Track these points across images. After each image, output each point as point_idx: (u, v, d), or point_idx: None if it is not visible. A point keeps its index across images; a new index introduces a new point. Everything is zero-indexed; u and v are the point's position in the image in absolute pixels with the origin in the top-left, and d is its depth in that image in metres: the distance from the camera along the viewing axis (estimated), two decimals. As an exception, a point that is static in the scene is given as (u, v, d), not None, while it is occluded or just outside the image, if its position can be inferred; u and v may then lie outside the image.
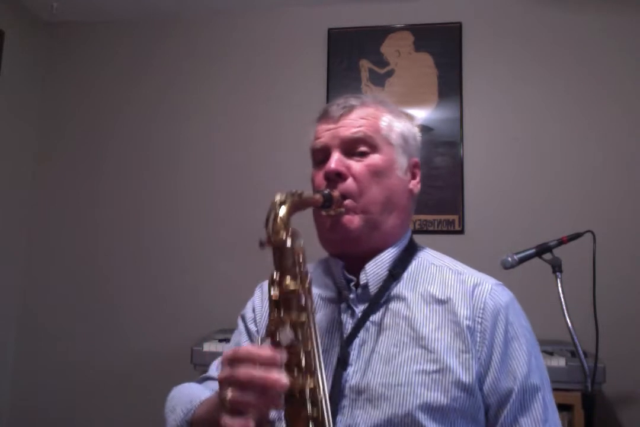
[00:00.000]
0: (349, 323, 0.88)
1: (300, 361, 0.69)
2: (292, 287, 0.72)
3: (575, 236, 1.71)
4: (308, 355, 0.70)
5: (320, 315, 0.89)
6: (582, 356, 1.53)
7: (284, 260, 0.73)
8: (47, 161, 2.71)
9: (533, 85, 2.40)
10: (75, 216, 2.64)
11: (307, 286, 0.73)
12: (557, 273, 1.63)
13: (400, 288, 0.89)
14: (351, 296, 0.89)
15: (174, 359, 2.28)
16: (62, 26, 2.78)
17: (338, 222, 0.88)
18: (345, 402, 0.81)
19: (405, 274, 0.91)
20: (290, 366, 0.69)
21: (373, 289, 0.89)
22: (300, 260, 0.74)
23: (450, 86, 2.44)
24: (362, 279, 0.89)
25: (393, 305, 0.87)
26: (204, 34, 2.69)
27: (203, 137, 2.61)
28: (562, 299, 1.58)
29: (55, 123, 2.74)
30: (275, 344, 0.69)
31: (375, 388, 0.80)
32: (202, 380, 0.97)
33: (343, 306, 0.90)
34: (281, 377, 0.64)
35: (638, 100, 2.31)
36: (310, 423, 0.68)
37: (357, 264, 0.90)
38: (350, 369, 0.83)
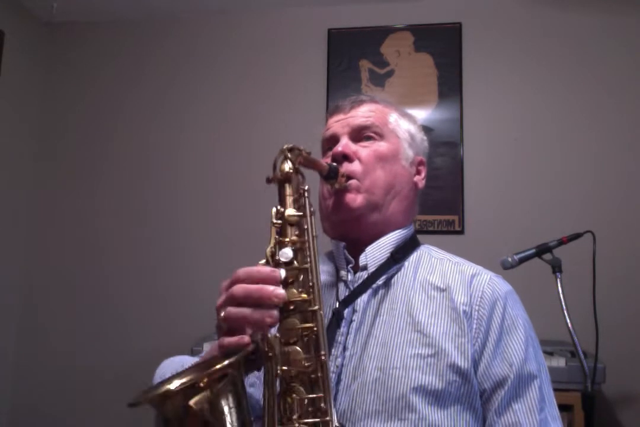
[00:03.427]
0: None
1: (298, 276, 0.70)
2: (294, 214, 0.74)
3: (575, 236, 1.71)
4: (306, 272, 0.71)
5: None
6: (582, 356, 1.53)
7: (289, 193, 0.75)
8: (47, 161, 2.71)
9: (533, 85, 2.39)
10: (75, 215, 2.64)
11: (309, 213, 0.75)
12: (557, 273, 1.63)
13: (400, 275, 0.90)
14: (349, 277, 0.90)
15: (174, 359, 2.27)
16: (62, 26, 2.78)
17: (341, 201, 0.89)
18: (341, 386, 0.81)
19: (406, 262, 0.92)
20: (288, 282, 0.69)
21: (372, 270, 0.89)
22: (305, 191, 0.76)
23: (450, 86, 2.44)
24: (362, 260, 0.90)
25: (392, 291, 0.88)
26: (203, 34, 2.69)
27: (203, 137, 2.61)
28: (562, 299, 1.58)
29: (55, 123, 2.74)
30: (275, 264, 0.70)
31: (370, 372, 0.80)
32: None
33: (341, 286, 0.91)
34: (277, 289, 0.64)
35: (638, 101, 2.31)
36: (305, 338, 0.69)
37: (358, 248, 0.91)
38: (347, 353, 0.84)
